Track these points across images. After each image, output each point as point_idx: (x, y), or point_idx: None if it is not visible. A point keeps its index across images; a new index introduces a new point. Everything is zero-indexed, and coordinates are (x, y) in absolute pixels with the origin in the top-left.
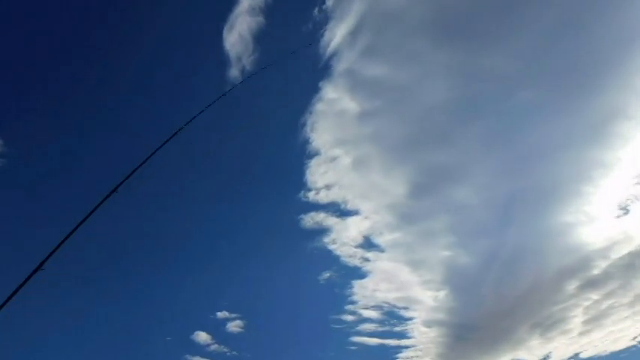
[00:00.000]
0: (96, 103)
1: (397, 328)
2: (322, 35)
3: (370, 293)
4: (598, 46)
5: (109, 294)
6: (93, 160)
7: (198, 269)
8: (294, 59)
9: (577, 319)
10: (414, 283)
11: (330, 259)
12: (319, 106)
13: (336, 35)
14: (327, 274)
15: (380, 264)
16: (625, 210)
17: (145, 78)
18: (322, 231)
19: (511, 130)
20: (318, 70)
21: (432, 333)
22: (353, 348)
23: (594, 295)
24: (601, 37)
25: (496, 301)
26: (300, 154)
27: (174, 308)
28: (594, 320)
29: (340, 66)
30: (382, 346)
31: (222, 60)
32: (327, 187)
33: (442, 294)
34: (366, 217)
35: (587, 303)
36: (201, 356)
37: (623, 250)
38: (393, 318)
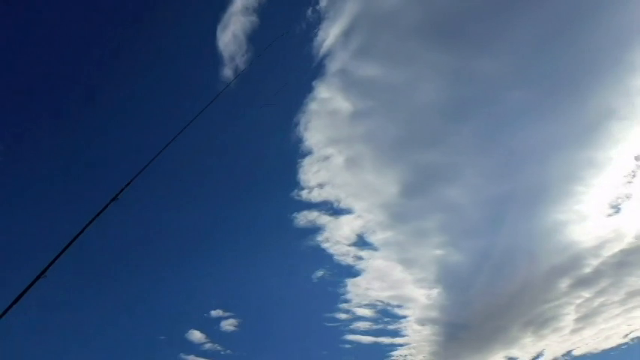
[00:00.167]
0: (88, 101)
1: (391, 327)
2: (315, 35)
3: (363, 291)
4: (589, 48)
5: (101, 293)
6: (87, 160)
7: (191, 268)
8: (287, 58)
9: (569, 316)
10: (407, 281)
11: (324, 258)
12: (312, 106)
13: (329, 35)
14: (320, 273)
15: (373, 262)
16: (616, 209)
17: (138, 77)
18: (315, 229)
19: (503, 131)
20: (311, 69)
21: (426, 331)
22: (347, 346)
23: (586, 293)
24: (592, 38)
25: (489, 299)
26: (293, 153)
27: (168, 307)
28: (586, 318)
29: (333, 66)
30: (376, 344)
31: (215, 59)
32: (320, 185)
33: (435, 292)
34: (359, 216)
35: (579, 301)
36: (196, 355)
37: (615, 249)
38: (386, 316)
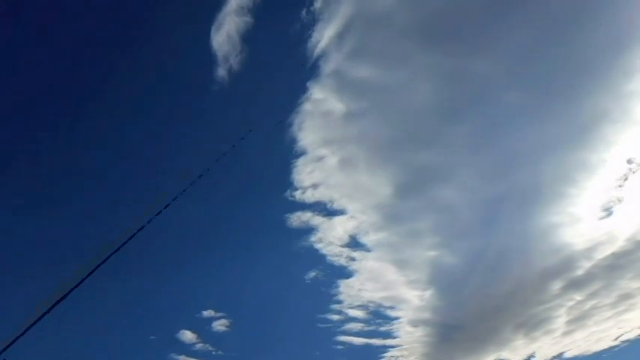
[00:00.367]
0: (82, 101)
1: (383, 328)
2: (310, 36)
3: (356, 292)
4: (583, 50)
5: (93, 293)
6: (83, 160)
7: (183, 268)
8: (282, 60)
9: (561, 319)
10: (399, 282)
11: (317, 259)
12: (306, 106)
13: (323, 36)
14: (313, 273)
15: (366, 263)
16: (608, 212)
17: (134, 77)
18: (308, 230)
19: (496, 132)
20: (305, 70)
21: (418, 332)
22: (339, 347)
23: (578, 296)
24: (586, 41)
25: (481, 300)
26: (287, 153)
27: (159, 307)
28: (578, 320)
29: (327, 67)
30: (368, 345)
31: (209, 59)
32: (314, 186)
33: (428, 294)
34: (352, 217)
35: (570, 303)
36: (187, 355)
37: (607, 251)
38: (378, 317)
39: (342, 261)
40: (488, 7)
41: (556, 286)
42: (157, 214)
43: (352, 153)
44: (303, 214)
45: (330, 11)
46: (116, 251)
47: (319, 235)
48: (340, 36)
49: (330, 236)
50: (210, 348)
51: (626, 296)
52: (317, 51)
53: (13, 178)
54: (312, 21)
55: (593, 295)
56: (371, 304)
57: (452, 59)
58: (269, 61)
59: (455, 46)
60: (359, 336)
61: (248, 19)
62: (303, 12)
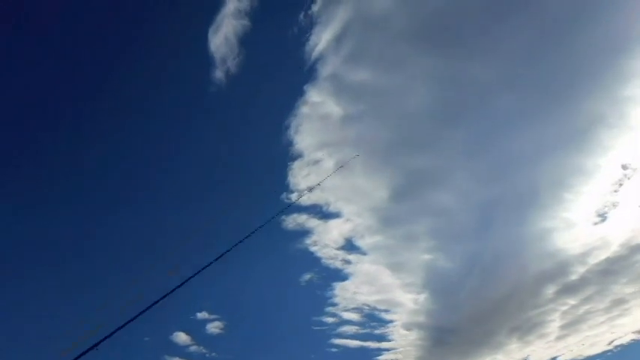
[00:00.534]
0: (80, 102)
1: (377, 331)
2: (308, 39)
3: (351, 295)
4: (580, 55)
5: (86, 292)
6: (81, 161)
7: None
8: (279, 62)
9: (554, 323)
10: (394, 285)
11: (312, 261)
12: (303, 109)
13: (321, 40)
14: (308, 276)
15: (361, 266)
16: (603, 217)
17: (132, 79)
18: (304, 233)
19: (492, 137)
20: (302, 73)
21: (412, 336)
22: (333, 350)
23: (571, 300)
24: (583, 46)
25: (475, 304)
26: (283, 156)
27: (153, 308)
28: (571, 325)
29: (325, 70)
30: (362, 348)
31: (207, 61)
32: (310, 189)
33: (422, 297)
34: (348, 220)
35: (564, 308)
36: (181, 357)
37: (601, 257)
38: (373, 320)
39: (338, 264)
40: (484, 12)
41: (550, 290)
42: (204, 268)
43: (349, 156)
44: (299, 217)
45: (328, 14)
46: (155, 304)
47: (315, 237)
48: (338, 39)
49: (326, 239)
50: (204, 350)
51: (619, 301)
52: (314, 54)
53: (13, 178)
54: (310, 24)
55: (587, 300)
56: (366, 307)
57: (448, 63)
58: (266, 63)
59: (451, 50)
60: (353, 339)
61: (246, 21)
62: (301, 15)
